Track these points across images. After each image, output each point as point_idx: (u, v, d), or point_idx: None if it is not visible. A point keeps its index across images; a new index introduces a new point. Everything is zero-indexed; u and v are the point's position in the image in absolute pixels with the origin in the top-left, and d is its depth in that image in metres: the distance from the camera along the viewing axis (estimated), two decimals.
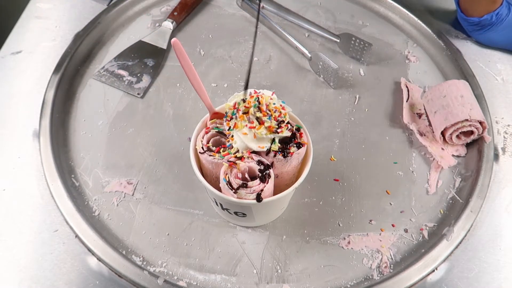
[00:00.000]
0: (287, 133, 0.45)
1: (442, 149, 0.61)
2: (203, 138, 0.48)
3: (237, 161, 0.45)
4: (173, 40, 0.42)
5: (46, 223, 0.53)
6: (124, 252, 0.51)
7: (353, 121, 0.65)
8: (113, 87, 0.66)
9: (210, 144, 0.48)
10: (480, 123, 0.58)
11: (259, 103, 0.44)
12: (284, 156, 0.45)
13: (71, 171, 0.58)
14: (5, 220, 0.54)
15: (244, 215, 0.49)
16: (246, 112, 0.45)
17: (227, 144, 0.46)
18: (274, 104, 0.45)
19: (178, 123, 0.63)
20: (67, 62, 0.66)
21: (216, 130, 0.48)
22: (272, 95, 0.46)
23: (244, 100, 0.45)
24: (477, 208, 0.55)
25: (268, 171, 0.45)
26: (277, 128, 0.44)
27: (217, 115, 0.50)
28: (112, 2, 0.77)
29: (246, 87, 0.45)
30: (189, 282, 0.50)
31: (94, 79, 0.67)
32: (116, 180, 0.57)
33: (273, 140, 0.45)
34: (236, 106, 0.45)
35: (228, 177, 0.44)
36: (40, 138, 0.59)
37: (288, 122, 0.46)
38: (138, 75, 0.68)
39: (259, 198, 0.44)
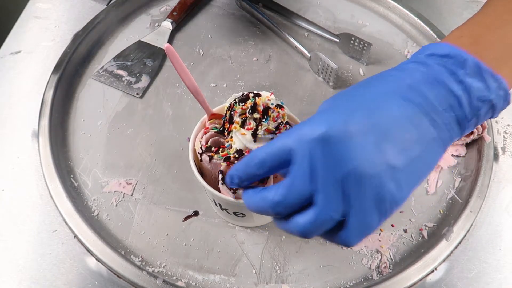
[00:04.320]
0: None
1: None
2: (202, 138, 0.48)
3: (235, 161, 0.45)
4: (165, 46, 0.42)
5: (45, 223, 0.53)
6: (123, 253, 0.51)
7: None
8: (112, 87, 0.66)
9: (209, 144, 0.47)
10: None
11: (256, 104, 0.44)
12: None
13: (70, 171, 0.58)
14: (4, 220, 0.54)
15: (243, 215, 0.49)
16: (243, 114, 0.44)
17: (226, 144, 0.46)
18: (272, 104, 0.45)
19: (177, 123, 0.63)
20: (66, 62, 0.66)
21: (215, 131, 0.48)
22: (270, 95, 0.46)
23: (241, 102, 0.45)
24: (477, 208, 0.55)
25: None
26: (276, 130, 0.44)
27: (215, 116, 0.50)
28: (111, 2, 0.76)
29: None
30: (188, 283, 0.50)
31: (93, 79, 0.67)
32: (115, 180, 0.57)
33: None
34: (233, 107, 0.45)
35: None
36: (39, 138, 0.59)
37: (287, 123, 0.46)
38: (137, 75, 0.68)
39: None
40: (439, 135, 0.30)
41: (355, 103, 0.30)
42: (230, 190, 0.44)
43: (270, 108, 0.44)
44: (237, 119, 0.45)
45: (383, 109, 0.29)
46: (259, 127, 0.44)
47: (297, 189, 0.29)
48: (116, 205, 0.55)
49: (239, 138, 0.45)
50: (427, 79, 0.30)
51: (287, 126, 0.45)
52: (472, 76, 0.30)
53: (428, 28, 0.74)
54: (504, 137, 0.64)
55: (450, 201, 0.57)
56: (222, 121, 0.47)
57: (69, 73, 0.67)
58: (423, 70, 0.31)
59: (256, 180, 0.35)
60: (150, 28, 0.75)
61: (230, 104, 0.46)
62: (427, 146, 0.29)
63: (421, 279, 0.50)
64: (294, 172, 0.29)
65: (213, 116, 0.49)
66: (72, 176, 0.58)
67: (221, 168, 0.45)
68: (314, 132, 0.28)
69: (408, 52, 0.73)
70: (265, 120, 0.44)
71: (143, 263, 0.51)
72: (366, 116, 0.28)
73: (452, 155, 0.61)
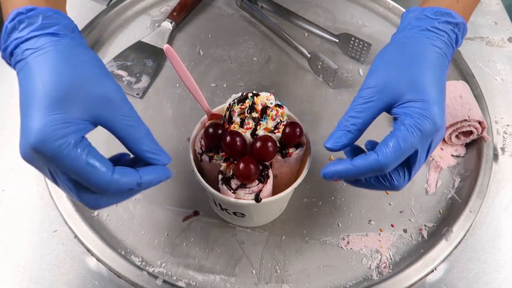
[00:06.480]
0: None
1: (441, 149, 0.61)
2: (201, 139, 0.48)
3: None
4: (165, 47, 0.42)
5: (45, 224, 0.53)
6: (123, 253, 0.51)
7: None
8: None
9: None
10: (479, 123, 0.58)
11: (254, 103, 0.44)
12: (283, 157, 0.45)
13: None
14: (4, 220, 0.53)
15: (243, 215, 0.49)
16: (242, 113, 0.45)
17: None
18: (271, 103, 0.45)
19: (177, 123, 0.63)
20: None
21: None
22: (270, 95, 0.46)
23: (239, 102, 0.45)
24: (477, 208, 0.55)
25: (266, 172, 0.45)
26: (274, 129, 0.44)
27: (215, 116, 0.50)
28: (111, 2, 0.76)
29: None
30: (188, 283, 0.50)
31: None
32: None
33: None
34: (232, 107, 0.45)
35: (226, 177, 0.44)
36: None
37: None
38: (137, 75, 0.68)
39: (257, 198, 0.44)
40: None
41: (437, 89, 0.42)
42: (230, 190, 0.44)
43: (269, 107, 0.44)
44: (236, 119, 0.45)
45: (441, 86, 0.43)
46: (258, 127, 0.44)
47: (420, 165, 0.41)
48: (116, 205, 0.55)
49: None
50: (449, 45, 0.44)
51: None
52: (460, 32, 0.45)
53: None
54: (503, 137, 0.64)
55: (450, 201, 0.58)
56: (221, 121, 0.47)
57: None
58: (446, 37, 0.44)
59: None
60: (150, 28, 0.75)
61: (229, 104, 0.46)
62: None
63: (420, 279, 0.50)
64: (418, 161, 0.40)
65: (213, 116, 0.49)
66: None
67: (221, 168, 0.45)
68: (433, 128, 0.39)
69: None
70: (264, 119, 0.44)
71: (143, 263, 0.51)
72: (443, 102, 0.42)
73: (452, 155, 0.61)
